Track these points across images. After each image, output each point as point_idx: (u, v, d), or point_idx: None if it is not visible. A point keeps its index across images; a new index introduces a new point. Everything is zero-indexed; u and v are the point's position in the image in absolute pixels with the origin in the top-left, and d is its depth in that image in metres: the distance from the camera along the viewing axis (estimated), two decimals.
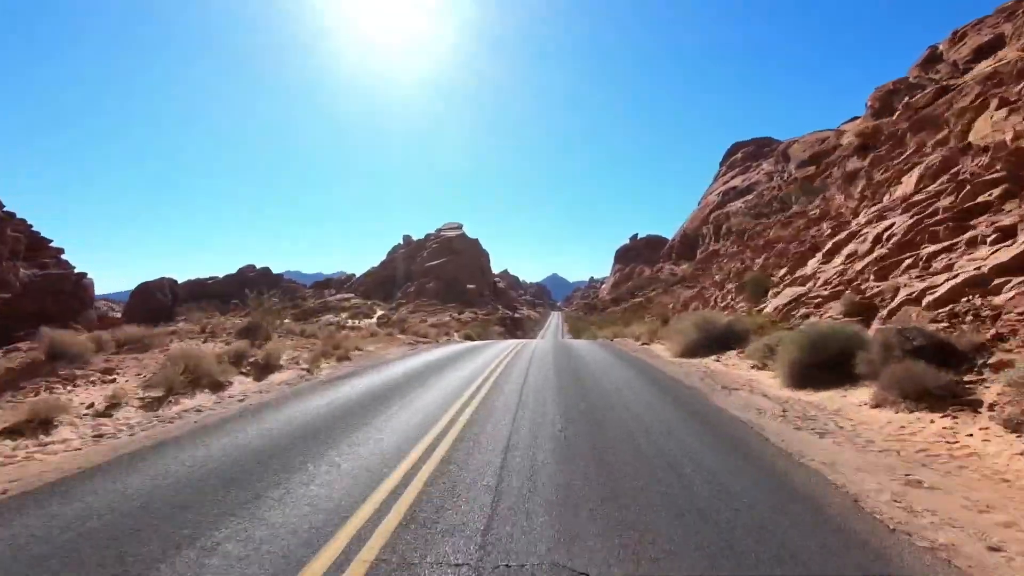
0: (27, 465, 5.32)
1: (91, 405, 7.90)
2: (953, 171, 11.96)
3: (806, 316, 12.36)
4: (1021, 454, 5.07)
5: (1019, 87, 12.37)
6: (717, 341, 14.23)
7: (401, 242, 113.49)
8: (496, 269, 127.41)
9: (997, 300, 7.86)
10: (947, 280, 8.84)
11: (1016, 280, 7.86)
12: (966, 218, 10.17)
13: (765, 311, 15.09)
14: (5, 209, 46.17)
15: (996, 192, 10.09)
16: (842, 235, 14.91)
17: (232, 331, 16.03)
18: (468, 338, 35.75)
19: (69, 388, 8.93)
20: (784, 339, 9.45)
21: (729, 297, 20.76)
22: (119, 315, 66.28)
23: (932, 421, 6.36)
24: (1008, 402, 5.68)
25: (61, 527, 3.66)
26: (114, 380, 9.61)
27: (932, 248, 10.07)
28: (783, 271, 17.54)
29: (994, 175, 10.46)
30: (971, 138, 12.35)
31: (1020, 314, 7.27)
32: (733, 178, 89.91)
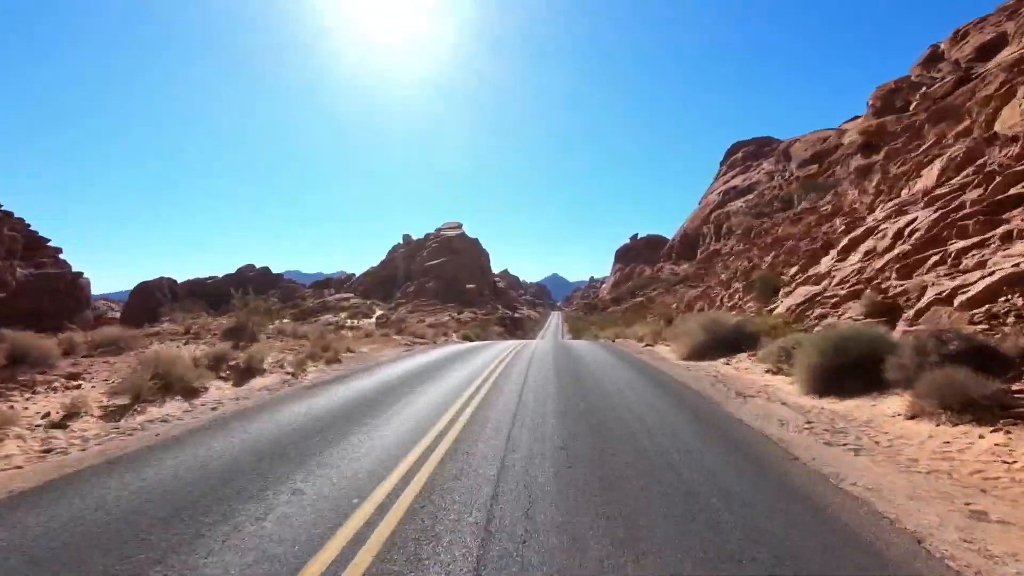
0: None
1: (47, 415, 7.19)
2: (979, 162, 11.25)
3: (822, 317, 11.65)
4: None
5: None
6: (726, 343, 13.52)
7: (401, 242, 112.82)
8: (496, 269, 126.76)
9: None
10: (981, 278, 8.13)
11: None
12: (997, 211, 9.46)
13: (776, 311, 14.38)
14: (3, 208, 45.57)
15: None
16: (858, 231, 14.17)
17: (218, 332, 15.31)
18: (466, 339, 35.04)
19: (27, 396, 8.21)
20: (803, 342, 8.74)
21: (736, 296, 20.03)
22: (119, 315, 65.77)
23: (981, 436, 5.64)
24: None
25: None
26: (79, 386, 8.89)
27: (961, 244, 9.36)
28: (794, 269, 16.81)
29: None
30: (997, 128, 11.65)
31: None
32: (734, 177, 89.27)
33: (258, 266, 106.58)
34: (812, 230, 19.91)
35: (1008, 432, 5.55)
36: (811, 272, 14.94)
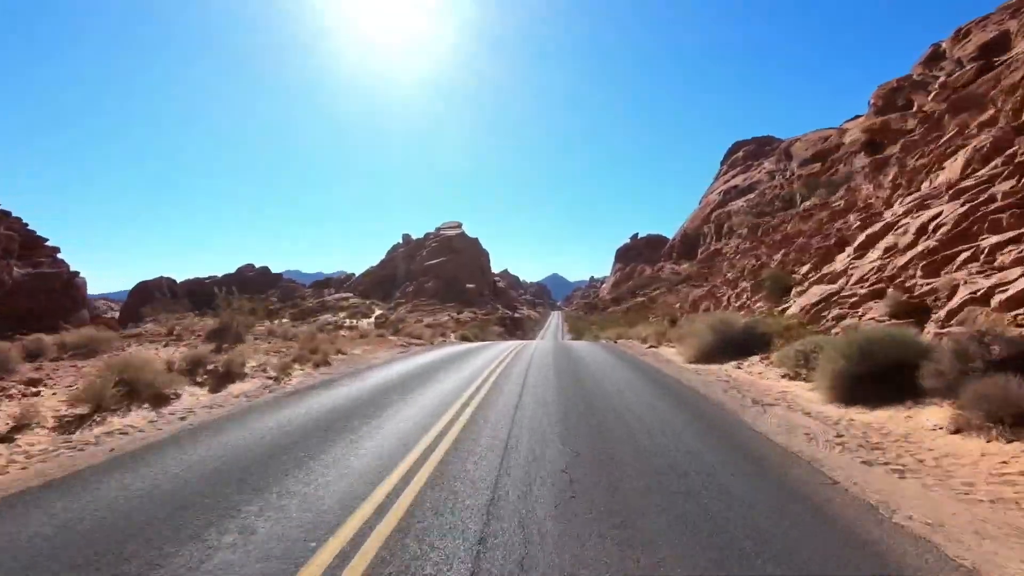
0: None
1: None
2: (1008, 153, 10.55)
3: (840, 318, 10.94)
4: None
5: None
6: (735, 345, 12.82)
7: (400, 241, 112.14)
8: (496, 269, 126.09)
9: None
10: (1022, 275, 7.42)
11: None
12: None
13: (789, 311, 13.68)
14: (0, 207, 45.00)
15: None
16: (876, 227, 13.44)
17: (203, 334, 14.61)
18: (465, 339, 34.35)
19: None
20: (826, 345, 8.03)
21: (744, 296, 19.30)
22: (118, 315, 65.20)
23: None
24: None
25: None
26: (38, 393, 8.20)
27: (995, 239, 8.65)
28: (806, 268, 16.08)
29: None
30: None
31: None
32: (734, 177, 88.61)
33: (258, 266, 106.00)
34: (824, 226, 19.14)
35: None
36: (825, 270, 14.21)
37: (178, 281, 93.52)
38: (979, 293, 7.89)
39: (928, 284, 9.11)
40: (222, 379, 9.90)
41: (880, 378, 7.40)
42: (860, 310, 10.46)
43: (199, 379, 9.73)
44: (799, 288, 14.94)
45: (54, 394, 8.21)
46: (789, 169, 63.12)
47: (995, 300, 7.54)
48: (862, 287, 11.19)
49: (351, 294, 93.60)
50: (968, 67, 17.85)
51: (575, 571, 2.95)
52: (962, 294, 8.16)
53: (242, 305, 14.77)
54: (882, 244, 12.28)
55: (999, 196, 9.43)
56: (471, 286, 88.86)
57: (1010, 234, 8.43)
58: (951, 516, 3.94)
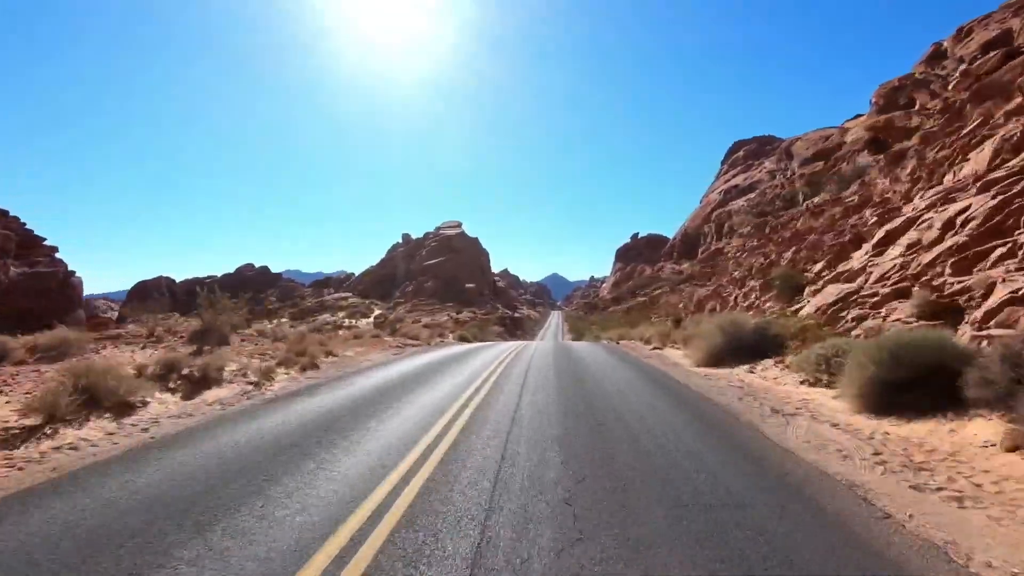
0: None
1: None
2: None
3: (861, 318, 10.23)
4: None
5: None
6: (747, 347, 12.12)
7: (400, 241, 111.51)
8: (496, 268, 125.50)
9: None
10: None
11: None
12: None
13: (803, 312, 12.98)
14: None
15: None
16: (896, 222, 12.72)
17: (184, 335, 13.91)
18: (463, 339, 33.66)
19: None
20: (852, 348, 7.33)
21: (753, 295, 18.58)
22: (116, 314, 64.63)
23: None
24: None
25: None
26: None
27: None
28: (819, 266, 15.36)
29: None
30: None
31: None
32: (735, 176, 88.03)
33: (257, 265, 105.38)
34: (837, 223, 18.40)
35: None
36: (841, 268, 13.49)
37: (177, 281, 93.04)
38: (1020, 292, 7.19)
39: (960, 282, 8.42)
40: (197, 385, 9.20)
41: (910, 386, 6.70)
42: (883, 310, 9.76)
43: (172, 385, 9.03)
44: (813, 287, 14.21)
45: (7, 403, 7.51)
46: (790, 168, 62.53)
47: None
48: (884, 286, 10.48)
49: (350, 294, 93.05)
50: (991, 54, 17.12)
51: None
52: (1000, 293, 7.46)
53: (225, 305, 14.04)
54: (904, 240, 11.56)
55: None
56: (471, 286, 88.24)
57: None
58: None
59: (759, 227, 40.71)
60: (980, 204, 9.65)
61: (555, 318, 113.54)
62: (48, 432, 6.43)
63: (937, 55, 41.66)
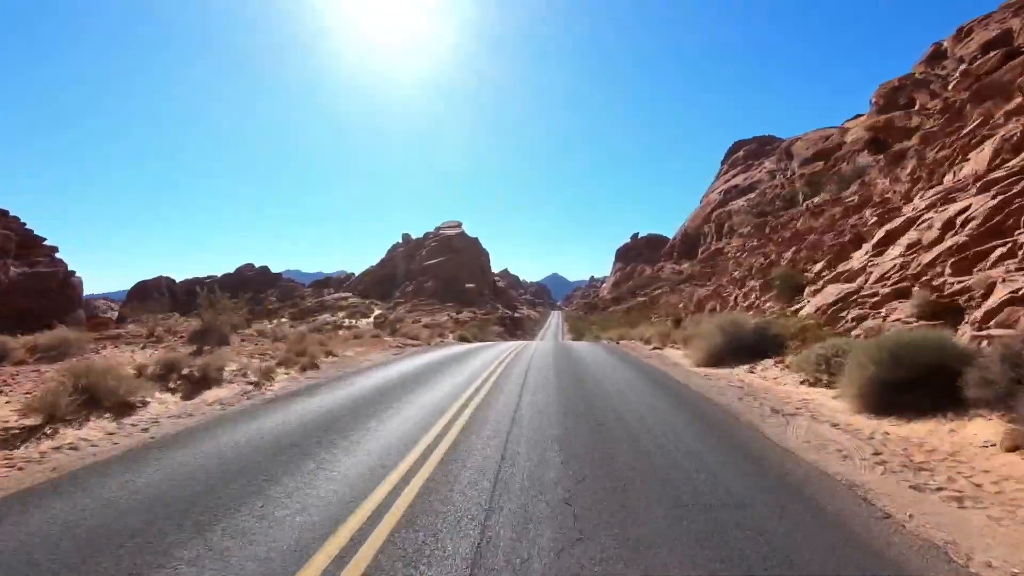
0: None
1: None
2: None
3: (861, 318, 10.24)
4: None
5: None
6: (747, 347, 12.12)
7: (400, 241, 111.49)
8: (496, 268, 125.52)
9: None
10: None
11: None
12: None
13: (803, 312, 12.99)
14: None
15: None
16: (896, 222, 12.73)
17: (185, 335, 13.91)
18: (463, 340, 33.67)
19: None
20: (852, 348, 7.33)
21: (753, 295, 18.59)
22: (117, 314, 64.68)
23: None
24: None
25: None
26: None
27: None
28: (819, 266, 15.37)
29: None
30: None
31: None
32: (735, 176, 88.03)
33: (257, 265, 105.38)
34: (837, 223, 18.40)
35: None
36: (841, 268, 13.49)
37: (177, 281, 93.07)
38: (1020, 292, 7.19)
39: (959, 282, 8.42)
40: (197, 385, 9.21)
41: (910, 386, 6.71)
42: (883, 310, 9.76)
43: (172, 385, 9.04)
44: (813, 287, 14.21)
45: (7, 403, 7.51)
46: (790, 168, 62.55)
47: None
48: (884, 286, 10.49)
49: (350, 294, 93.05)
50: (991, 54, 17.12)
51: None
52: (1000, 293, 7.46)
53: (225, 305, 14.04)
54: (904, 240, 11.57)
55: None
56: (471, 286, 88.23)
57: None
58: None
59: (759, 227, 40.71)
60: (980, 204, 9.66)
61: (555, 318, 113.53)
62: (48, 432, 6.43)
63: (937, 55, 41.68)
